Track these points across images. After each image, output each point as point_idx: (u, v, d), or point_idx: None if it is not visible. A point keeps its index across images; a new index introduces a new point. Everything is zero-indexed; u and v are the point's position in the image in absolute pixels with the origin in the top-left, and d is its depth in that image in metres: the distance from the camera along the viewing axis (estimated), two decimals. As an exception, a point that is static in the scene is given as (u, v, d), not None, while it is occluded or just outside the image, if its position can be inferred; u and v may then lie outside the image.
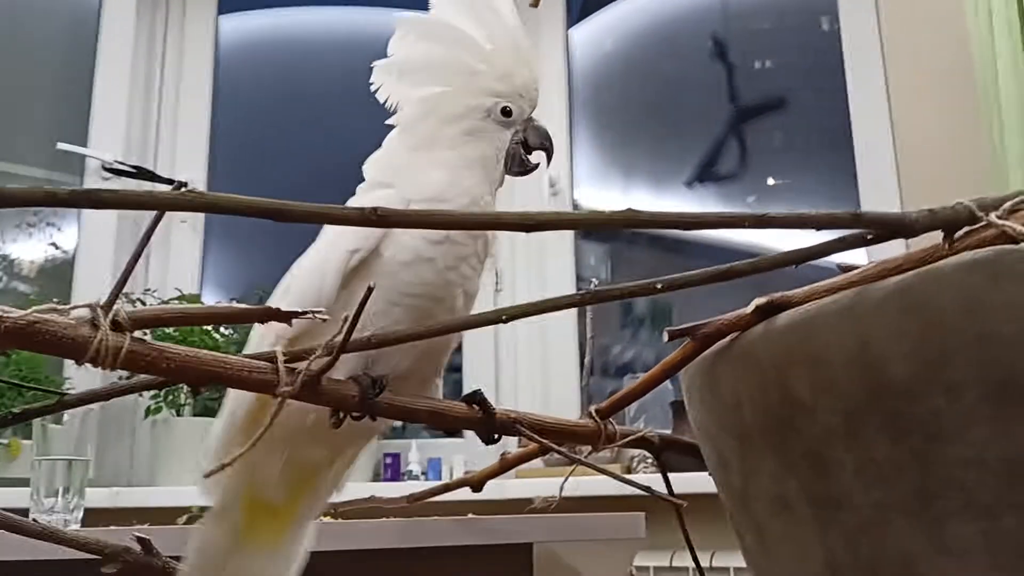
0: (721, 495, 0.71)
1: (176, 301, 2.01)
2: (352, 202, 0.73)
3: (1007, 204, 0.51)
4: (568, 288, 2.40)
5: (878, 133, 2.20)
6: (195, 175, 2.30)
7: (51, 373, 2.00)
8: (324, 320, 0.51)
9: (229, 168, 2.42)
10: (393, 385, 0.63)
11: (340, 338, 0.50)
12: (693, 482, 0.83)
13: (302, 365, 0.53)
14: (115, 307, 0.47)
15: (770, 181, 2.81)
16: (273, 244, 2.60)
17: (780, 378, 0.58)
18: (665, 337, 0.65)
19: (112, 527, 1.57)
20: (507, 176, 0.75)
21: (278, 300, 0.70)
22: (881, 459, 0.52)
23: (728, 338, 0.62)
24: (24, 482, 1.51)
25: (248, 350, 0.68)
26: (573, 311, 2.35)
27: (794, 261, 0.53)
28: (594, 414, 0.69)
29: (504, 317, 0.54)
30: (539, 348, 2.24)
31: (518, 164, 0.74)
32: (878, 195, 2.19)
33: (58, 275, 2.32)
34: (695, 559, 0.75)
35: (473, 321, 0.56)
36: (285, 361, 0.53)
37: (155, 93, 2.32)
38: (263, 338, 0.68)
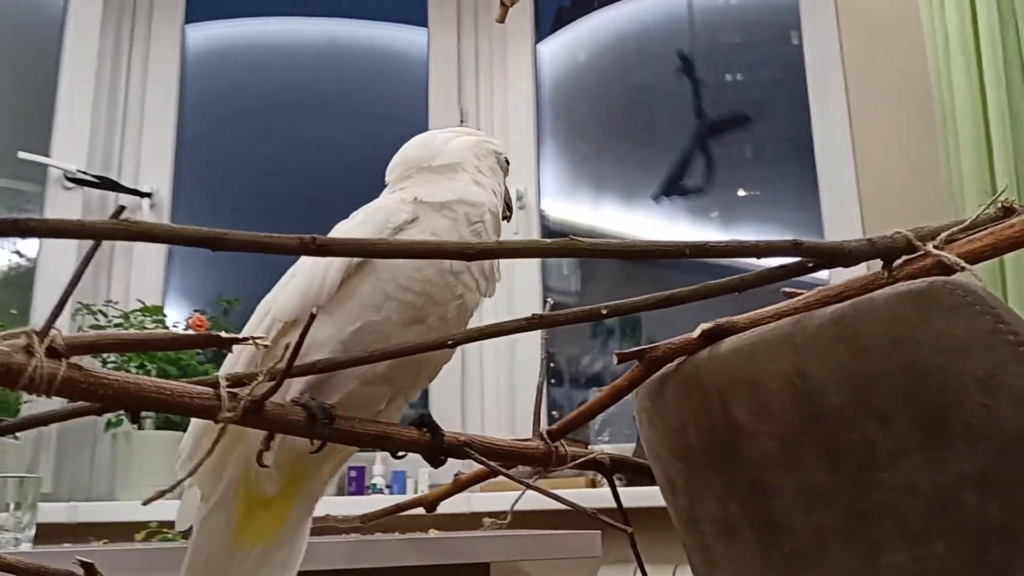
0: (671, 515, 0.71)
1: (139, 313, 1.99)
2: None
3: (944, 234, 0.53)
4: (535, 299, 2.40)
5: (838, 145, 2.23)
6: (159, 185, 2.27)
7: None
8: (267, 347, 0.51)
9: (195, 178, 2.40)
10: (347, 408, 0.63)
11: (283, 364, 0.50)
12: (657, 496, 0.83)
13: (245, 391, 0.52)
14: (51, 333, 0.47)
15: (740, 192, 2.84)
16: (237, 256, 2.58)
17: (723, 403, 0.58)
18: (615, 360, 0.65)
19: (66, 544, 1.54)
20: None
21: (280, 289, 0.71)
22: (818, 484, 0.52)
23: (675, 362, 0.63)
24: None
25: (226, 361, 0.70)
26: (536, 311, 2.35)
27: (737, 289, 0.54)
28: (545, 436, 0.69)
29: (450, 342, 0.54)
30: (506, 366, 2.25)
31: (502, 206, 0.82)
32: (839, 205, 2.22)
33: (20, 283, 2.29)
34: (645, 580, 0.76)
35: (422, 347, 0.56)
36: (229, 386, 0.52)
37: (120, 102, 2.30)
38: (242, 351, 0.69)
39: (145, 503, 0.51)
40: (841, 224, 2.24)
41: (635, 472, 0.77)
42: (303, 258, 0.71)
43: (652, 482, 0.75)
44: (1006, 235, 0.50)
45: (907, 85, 2.10)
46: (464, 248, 0.47)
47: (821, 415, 0.51)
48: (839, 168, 2.25)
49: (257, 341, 0.50)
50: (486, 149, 0.83)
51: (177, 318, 2.13)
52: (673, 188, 2.88)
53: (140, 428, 1.96)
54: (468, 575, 0.93)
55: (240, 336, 0.50)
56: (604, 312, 0.54)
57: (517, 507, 0.82)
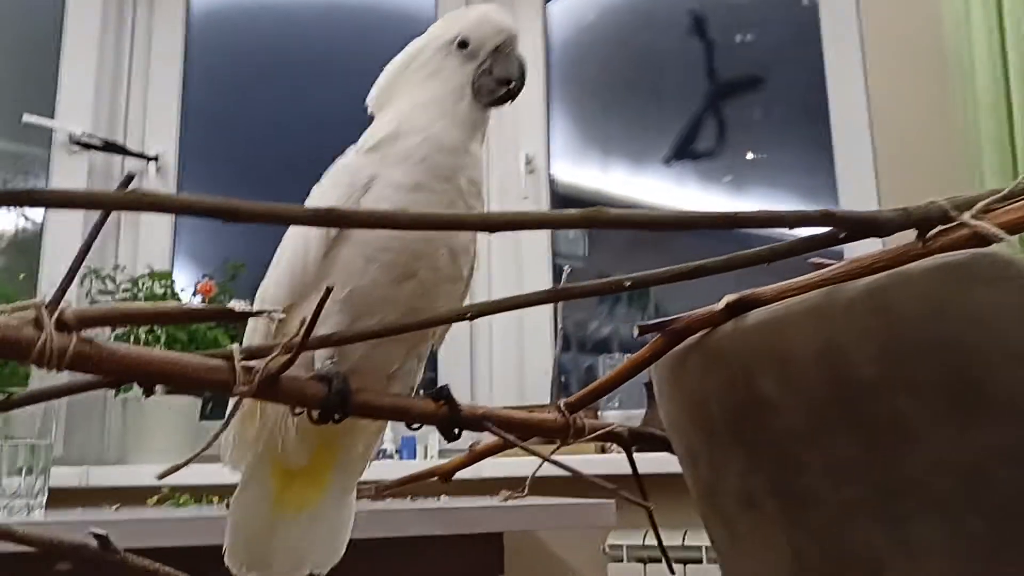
0: (690, 488, 0.71)
1: (147, 279, 1.98)
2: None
3: (980, 204, 0.51)
4: (544, 264, 2.38)
5: (854, 108, 2.20)
6: (165, 148, 2.25)
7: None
8: (281, 319, 0.50)
9: (201, 141, 2.37)
10: (363, 372, 0.62)
11: (299, 338, 0.49)
12: (667, 462, 0.82)
13: (260, 363, 0.51)
14: (61, 306, 0.46)
15: (749, 156, 2.81)
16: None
17: (748, 376, 0.57)
18: (635, 332, 0.64)
19: (79, 509, 1.55)
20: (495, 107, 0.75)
21: (272, 270, 0.71)
22: (847, 458, 0.51)
23: (698, 334, 0.62)
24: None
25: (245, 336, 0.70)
26: (546, 278, 2.35)
27: (767, 259, 0.52)
28: (562, 408, 0.68)
29: (469, 315, 0.53)
30: (515, 331, 2.23)
31: (486, 95, 0.73)
32: (853, 170, 2.19)
33: (27, 247, 2.28)
34: (665, 558, 0.75)
35: (437, 319, 0.55)
36: (244, 358, 0.51)
37: (124, 65, 2.27)
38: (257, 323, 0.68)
39: (160, 477, 0.50)
40: (856, 188, 2.21)
41: (653, 443, 0.76)
42: (286, 236, 0.71)
43: (670, 452, 0.74)
44: (1045, 207, 0.48)
45: (924, 45, 2.06)
46: (486, 220, 0.45)
47: (852, 388, 0.50)
48: (854, 131, 2.22)
49: (271, 315, 0.48)
50: (432, 47, 0.74)
51: (185, 283, 2.12)
52: (684, 152, 2.85)
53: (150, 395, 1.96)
54: (482, 544, 0.92)
55: (253, 311, 0.48)
56: (628, 284, 0.53)
57: (526, 470, 0.81)
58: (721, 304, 0.60)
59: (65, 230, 2.14)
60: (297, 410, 0.56)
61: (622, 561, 1.86)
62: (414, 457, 2.03)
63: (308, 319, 0.48)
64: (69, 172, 2.16)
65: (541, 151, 2.43)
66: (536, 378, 2.19)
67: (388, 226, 0.49)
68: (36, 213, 2.28)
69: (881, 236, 0.50)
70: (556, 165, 2.55)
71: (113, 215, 1.97)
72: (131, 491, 1.75)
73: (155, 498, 1.61)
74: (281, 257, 0.70)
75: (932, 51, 2.01)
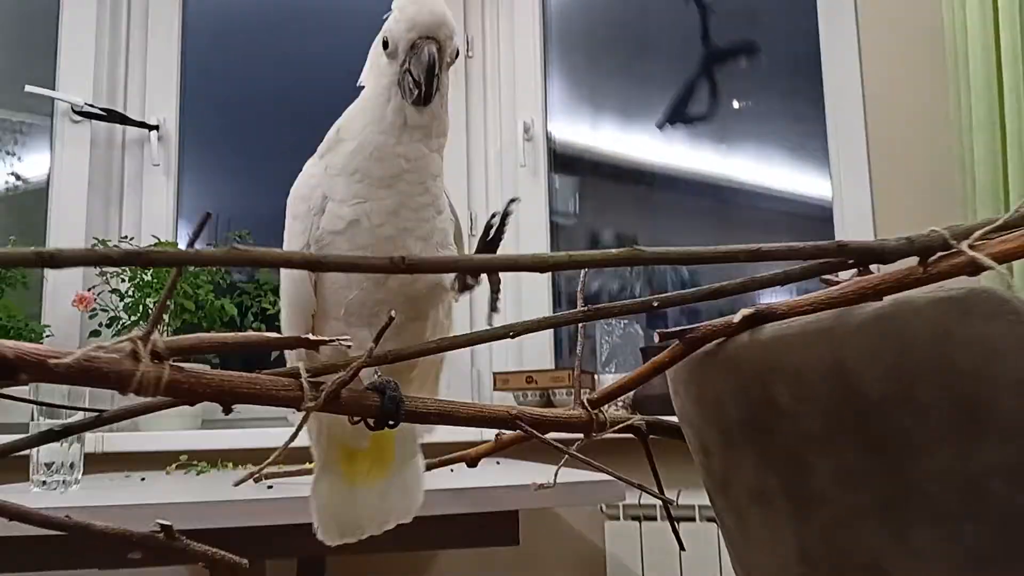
0: (703, 478, 0.77)
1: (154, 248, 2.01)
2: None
3: (977, 233, 0.56)
4: (541, 218, 2.43)
5: (847, 76, 2.25)
6: (166, 116, 2.26)
7: (29, 317, 2.01)
8: (349, 347, 0.55)
9: (200, 108, 2.38)
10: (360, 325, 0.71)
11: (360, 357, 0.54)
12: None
13: (324, 379, 0.57)
14: (152, 338, 0.50)
15: (736, 104, 2.84)
16: (246, 184, 2.58)
17: (762, 385, 0.63)
18: (656, 338, 0.69)
19: (108, 474, 1.61)
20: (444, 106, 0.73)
21: (282, 309, 0.79)
22: (854, 466, 0.57)
23: (715, 343, 0.67)
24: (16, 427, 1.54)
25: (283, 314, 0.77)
26: (545, 241, 2.40)
27: (781, 282, 0.58)
28: (586, 404, 0.74)
29: (511, 333, 0.58)
30: (513, 293, 2.29)
31: (408, 95, 0.70)
32: (846, 138, 2.24)
33: (18, 204, 2.29)
34: (677, 537, 0.82)
35: (478, 337, 0.60)
36: (308, 377, 0.56)
37: (122, 34, 2.26)
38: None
39: (236, 484, 0.55)
40: (847, 158, 2.26)
41: (667, 433, 0.82)
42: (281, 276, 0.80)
43: (682, 440, 0.80)
44: (1037, 240, 0.53)
45: (919, 23, 2.09)
46: (538, 262, 0.50)
47: (860, 404, 0.56)
48: (847, 103, 2.26)
49: (341, 341, 0.53)
50: (376, 41, 0.73)
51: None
52: (678, 116, 2.88)
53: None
54: (498, 521, 0.99)
55: (328, 339, 0.53)
56: (655, 304, 0.58)
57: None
58: (738, 317, 0.65)
59: (70, 187, 2.15)
60: (354, 420, 0.61)
61: (618, 519, 1.95)
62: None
63: (372, 348, 0.53)
64: (72, 141, 2.17)
65: (539, 118, 2.46)
66: (535, 341, 2.25)
67: (454, 270, 0.53)
68: (27, 171, 2.28)
69: (885, 263, 0.56)
70: (552, 123, 2.57)
71: (116, 183, 2.01)
72: (146, 455, 1.81)
73: (173, 465, 1.67)
74: (284, 298, 0.78)
75: (926, 19, 2.05)
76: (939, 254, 0.58)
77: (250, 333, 0.56)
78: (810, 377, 0.59)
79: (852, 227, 2.20)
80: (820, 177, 2.51)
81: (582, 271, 0.73)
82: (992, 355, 0.50)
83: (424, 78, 0.68)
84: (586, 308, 0.58)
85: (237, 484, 0.56)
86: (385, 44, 0.72)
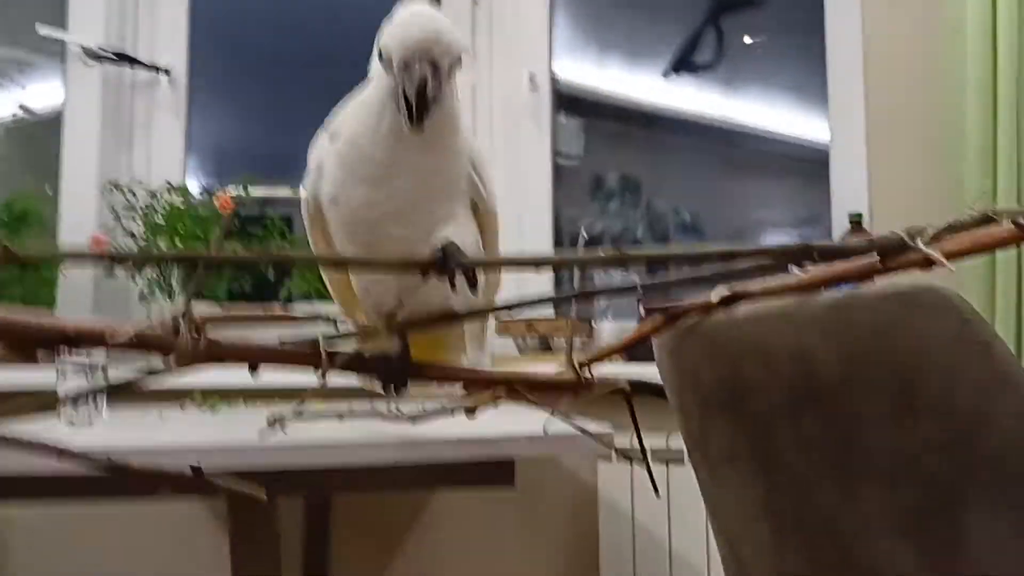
0: (683, 436, 0.85)
1: (165, 192, 2.07)
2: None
3: (931, 232, 0.62)
4: (544, 163, 2.46)
5: (848, 25, 2.28)
6: (176, 59, 2.29)
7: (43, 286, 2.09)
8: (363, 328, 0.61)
9: (210, 51, 2.40)
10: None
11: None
12: (654, 375, 0.93)
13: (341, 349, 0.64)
14: (190, 310, 0.57)
15: (742, 45, 2.86)
16: (254, 126, 2.62)
17: (734, 359, 0.70)
18: (641, 312, 0.76)
19: (126, 409, 1.70)
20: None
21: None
22: (810, 435, 0.65)
23: (694, 319, 0.74)
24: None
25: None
26: (547, 186, 2.45)
27: (762, 271, 0.64)
28: (576, 366, 0.81)
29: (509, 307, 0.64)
30: (514, 229, 2.34)
31: (401, 110, 0.71)
32: (844, 85, 2.28)
33: (27, 136, 2.33)
34: (653, 486, 0.89)
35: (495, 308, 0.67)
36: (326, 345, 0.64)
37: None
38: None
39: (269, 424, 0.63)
40: (844, 104, 2.30)
41: (652, 393, 0.89)
42: None
43: (665, 399, 0.88)
44: (982, 240, 0.59)
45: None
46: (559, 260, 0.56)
47: (817, 382, 0.63)
48: (847, 50, 2.30)
49: (348, 320, 0.60)
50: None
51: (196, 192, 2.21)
52: (683, 65, 2.90)
53: (171, 299, 2.08)
54: (494, 469, 1.07)
55: (350, 332, 0.60)
56: (639, 288, 0.64)
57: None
58: (715, 297, 0.72)
59: (83, 131, 2.19)
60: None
61: (611, 461, 2.05)
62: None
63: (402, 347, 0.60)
64: (83, 84, 2.21)
65: (543, 69, 2.49)
66: (535, 288, 2.32)
67: (496, 264, 0.60)
68: (33, 102, 2.32)
69: (848, 258, 0.62)
70: (557, 63, 2.59)
71: (125, 127, 2.05)
72: (162, 392, 1.89)
73: (187, 401, 1.75)
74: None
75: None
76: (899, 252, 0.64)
77: (277, 310, 0.63)
78: (775, 356, 0.66)
79: (847, 169, 2.27)
80: (819, 120, 2.55)
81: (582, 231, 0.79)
82: (930, 346, 0.56)
83: (416, 100, 0.69)
84: (577, 291, 0.65)
85: (270, 423, 0.64)
86: (380, 54, 0.72)
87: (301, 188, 0.86)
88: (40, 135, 2.30)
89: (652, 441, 1.84)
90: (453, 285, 0.63)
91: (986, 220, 0.61)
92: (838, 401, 0.62)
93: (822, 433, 0.64)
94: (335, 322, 0.62)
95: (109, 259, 0.55)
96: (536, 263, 0.61)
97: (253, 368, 0.61)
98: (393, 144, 0.73)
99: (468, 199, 0.80)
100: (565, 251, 2.58)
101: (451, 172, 0.78)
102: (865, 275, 0.65)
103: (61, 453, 0.64)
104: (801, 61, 2.65)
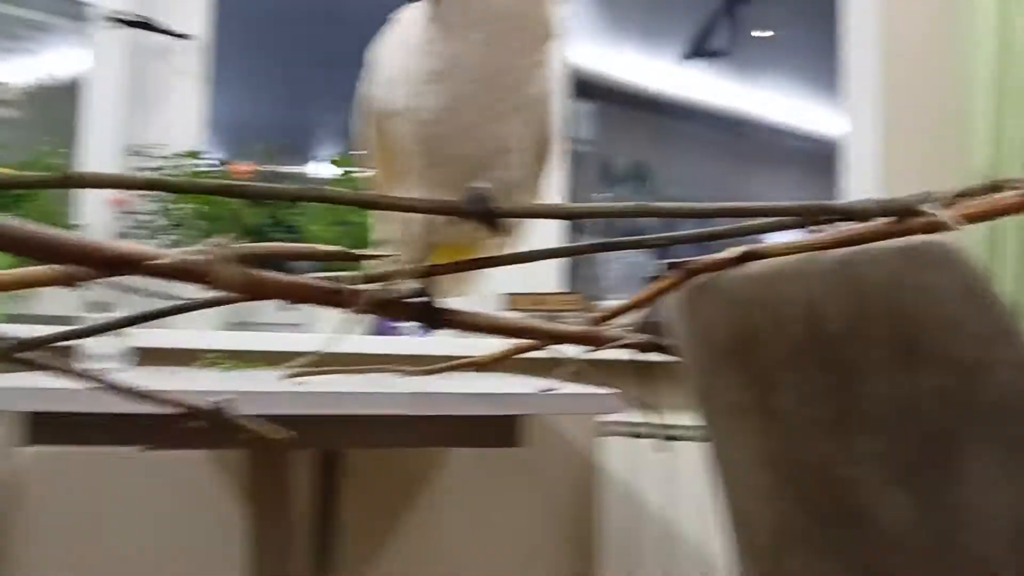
0: (692, 390, 0.87)
1: (184, 156, 2.10)
2: None
3: (942, 198, 0.65)
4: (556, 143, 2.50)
5: (867, 19, 2.29)
6: (197, 24, 2.31)
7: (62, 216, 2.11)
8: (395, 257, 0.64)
9: (232, 16, 2.43)
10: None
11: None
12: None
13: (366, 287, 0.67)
14: (230, 245, 0.60)
15: (755, 37, 2.88)
16: (274, 95, 2.64)
17: (746, 314, 0.72)
18: (662, 267, 0.79)
19: (141, 367, 1.73)
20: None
21: None
22: (813, 386, 0.67)
23: (711, 275, 0.76)
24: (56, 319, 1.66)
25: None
26: (559, 170, 2.47)
27: (774, 229, 0.67)
28: (596, 321, 0.84)
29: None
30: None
31: None
32: (861, 79, 2.30)
33: (44, 99, 2.35)
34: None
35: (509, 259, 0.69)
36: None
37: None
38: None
39: (289, 375, 0.66)
40: (861, 99, 2.32)
41: (663, 351, 0.92)
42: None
43: (676, 357, 0.91)
44: (993, 207, 0.62)
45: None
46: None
47: (822, 335, 0.65)
48: (864, 45, 2.31)
49: (381, 256, 0.63)
50: None
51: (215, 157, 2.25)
52: (698, 52, 2.92)
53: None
54: (500, 427, 1.11)
55: (371, 253, 0.63)
56: (661, 242, 0.67)
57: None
58: (733, 253, 0.74)
59: (104, 96, 2.22)
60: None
61: (614, 425, 2.09)
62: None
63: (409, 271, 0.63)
64: (105, 47, 2.23)
65: (558, 55, 2.50)
66: (544, 266, 2.35)
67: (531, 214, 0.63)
68: (59, 69, 2.34)
69: (863, 221, 0.65)
70: (572, 49, 2.61)
71: (150, 89, 2.09)
72: (174, 352, 1.93)
73: (200, 363, 1.79)
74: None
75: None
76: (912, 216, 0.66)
77: (304, 245, 0.65)
78: (784, 310, 0.68)
79: (862, 164, 2.28)
80: (830, 112, 2.57)
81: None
82: (935, 299, 0.59)
83: None
84: (602, 241, 0.67)
85: (292, 375, 0.67)
86: None
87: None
88: (60, 100, 2.33)
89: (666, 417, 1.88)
90: (495, 230, 0.63)
91: (995, 188, 0.64)
92: (842, 353, 0.64)
93: (824, 385, 0.66)
94: (358, 257, 0.65)
95: (151, 186, 0.58)
96: (563, 216, 0.64)
97: (288, 301, 0.64)
98: (438, 35, 0.65)
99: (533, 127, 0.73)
100: (575, 239, 2.61)
101: (517, 77, 0.68)
102: (877, 238, 0.68)
103: (109, 385, 0.67)
104: (813, 54, 2.67)
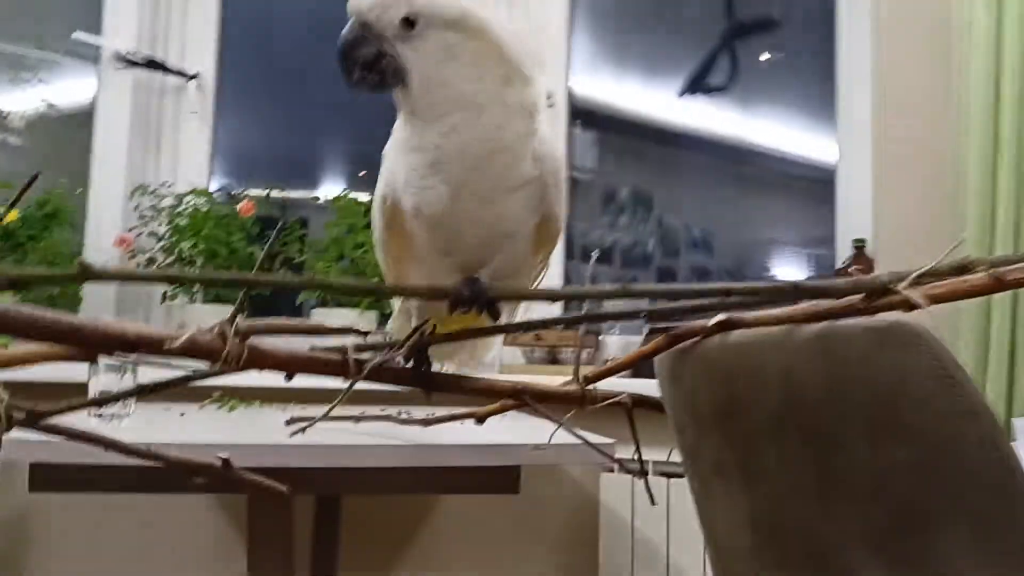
0: (678, 448, 0.90)
1: (190, 196, 2.14)
2: None
3: (911, 276, 0.68)
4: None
5: (859, 57, 2.35)
6: (205, 66, 2.36)
7: (72, 255, 2.15)
8: (396, 342, 0.67)
9: (238, 58, 2.48)
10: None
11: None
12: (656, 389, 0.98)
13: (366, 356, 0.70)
14: (236, 322, 0.63)
15: (755, 70, 2.93)
16: (279, 132, 2.69)
17: (728, 380, 0.76)
18: (645, 330, 0.82)
19: (150, 404, 1.76)
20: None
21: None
22: (792, 453, 0.71)
23: (693, 340, 0.80)
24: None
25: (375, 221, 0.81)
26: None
27: (762, 297, 0.70)
28: (581, 381, 0.87)
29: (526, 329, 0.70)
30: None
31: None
32: (853, 111, 2.35)
33: (48, 128, 2.40)
34: (649, 495, 0.95)
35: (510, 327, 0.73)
36: (355, 350, 0.70)
37: (165, -18, 2.37)
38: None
39: (289, 422, 0.69)
40: (853, 137, 2.36)
41: (651, 407, 0.95)
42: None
43: (663, 413, 0.94)
44: (960, 288, 0.65)
45: (931, 15, 2.17)
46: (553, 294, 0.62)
47: (800, 404, 0.68)
48: (857, 80, 2.36)
49: (387, 334, 0.66)
50: None
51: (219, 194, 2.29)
52: (698, 86, 2.96)
53: (192, 301, 2.15)
54: (500, 474, 1.13)
55: (370, 330, 0.66)
56: (643, 315, 0.71)
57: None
58: (712, 322, 0.78)
59: (113, 133, 2.27)
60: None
61: (613, 472, 2.11)
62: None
63: (415, 336, 0.66)
64: (115, 87, 2.29)
65: (561, 86, 2.55)
66: (545, 281, 2.39)
67: (523, 298, 0.67)
68: (57, 97, 2.38)
69: (837, 298, 0.68)
70: (574, 77, 2.65)
71: (153, 132, 2.14)
72: (183, 390, 1.96)
73: (207, 400, 1.82)
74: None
75: (938, 11, 2.14)
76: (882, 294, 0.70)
77: (311, 323, 0.68)
78: (764, 379, 0.72)
79: (853, 195, 2.33)
80: (830, 142, 2.62)
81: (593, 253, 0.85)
82: (904, 378, 0.62)
83: (339, 56, 0.69)
84: (585, 313, 0.71)
85: (294, 432, 0.70)
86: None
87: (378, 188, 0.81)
88: (68, 131, 2.38)
89: (654, 455, 1.90)
90: (490, 316, 0.68)
91: (963, 269, 0.67)
92: (819, 423, 0.67)
93: (803, 452, 0.69)
94: (364, 333, 0.68)
95: (172, 280, 0.61)
96: (551, 297, 0.67)
97: (289, 376, 0.67)
98: (418, 129, 0.70)
99: (534, 205, 0.75)
100: (575, 269, 2.65)
101: (491, 163, 0.71)
102: (849, 313, 0.71)
103: (109, 444, 0.71)
104: (814, 84, 2.71)
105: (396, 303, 0.85)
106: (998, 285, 0.67)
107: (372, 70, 0.69)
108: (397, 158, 0.73)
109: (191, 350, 0.60)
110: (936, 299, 0.66)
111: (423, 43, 0.68)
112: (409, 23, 0.68)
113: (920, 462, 0.62)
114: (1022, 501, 0.60)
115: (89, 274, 0.52)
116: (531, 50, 0.71)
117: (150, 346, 0.59)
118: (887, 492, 0.64)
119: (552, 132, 2.53)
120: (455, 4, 0.69)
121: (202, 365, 0.70)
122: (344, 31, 0.68)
